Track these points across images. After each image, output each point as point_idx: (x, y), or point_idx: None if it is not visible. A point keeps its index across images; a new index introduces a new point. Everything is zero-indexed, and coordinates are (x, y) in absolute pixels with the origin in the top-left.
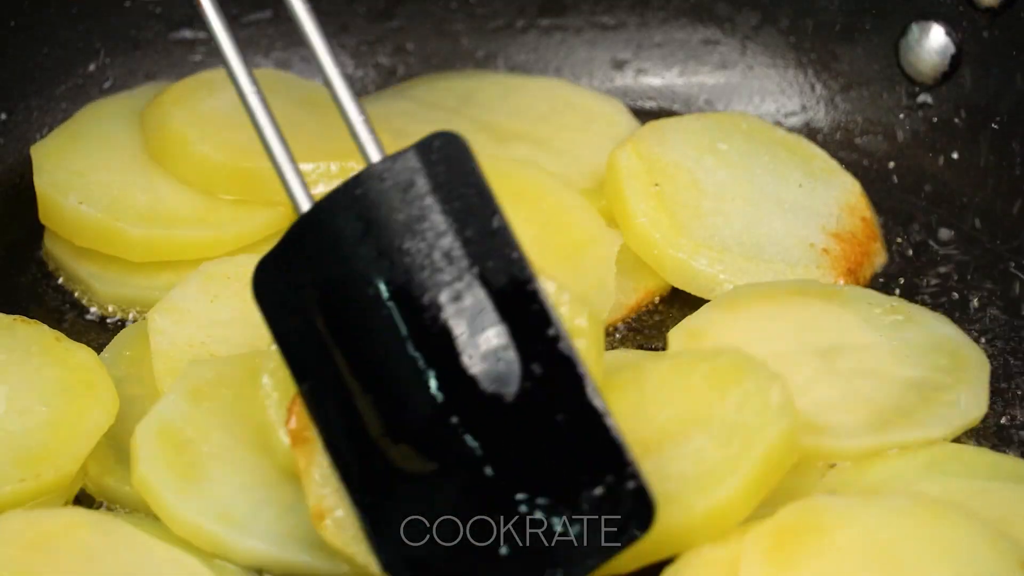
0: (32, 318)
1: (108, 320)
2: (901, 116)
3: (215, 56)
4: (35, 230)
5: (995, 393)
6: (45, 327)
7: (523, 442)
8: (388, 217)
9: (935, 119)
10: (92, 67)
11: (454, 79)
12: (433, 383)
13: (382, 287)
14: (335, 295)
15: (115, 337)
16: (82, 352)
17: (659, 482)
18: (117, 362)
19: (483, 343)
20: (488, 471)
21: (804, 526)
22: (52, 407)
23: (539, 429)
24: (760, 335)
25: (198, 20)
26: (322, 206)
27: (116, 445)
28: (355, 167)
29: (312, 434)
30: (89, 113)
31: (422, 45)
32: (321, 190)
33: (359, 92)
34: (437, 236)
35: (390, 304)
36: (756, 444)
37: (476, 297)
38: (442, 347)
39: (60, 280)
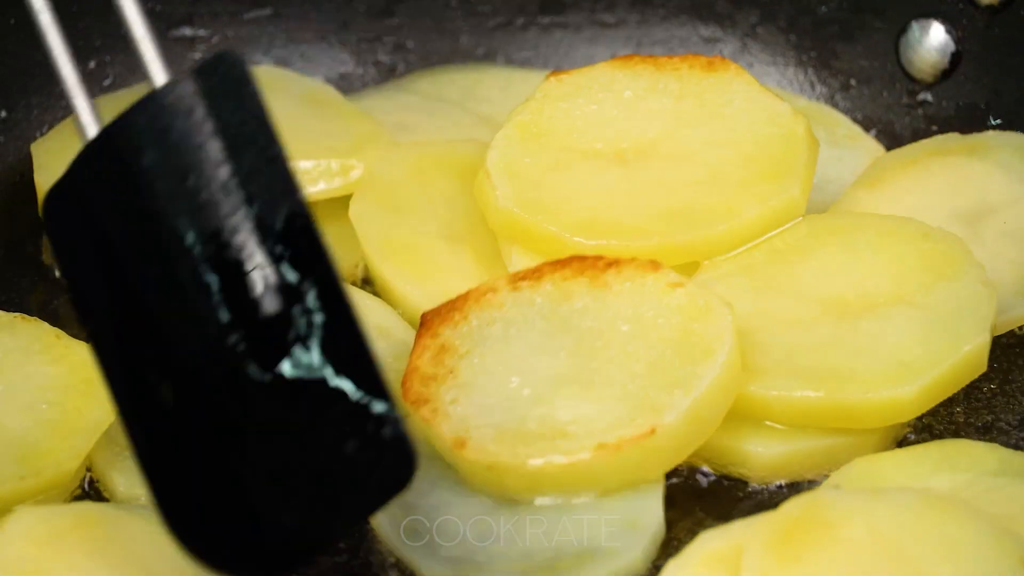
0: (32, 316)
1: None
2: (901, 114)
3: None
4: (35, 228)
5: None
6: (45, 324)
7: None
8: (170, 146)
9: (935, 117)
10: (92, 65)
11: (456, 72)
12: (218, 316)
13: (162, 220)
14: (119, 228)
15: None
16: (83, 349)
17: (850, 351)
18: None
19: (255, 278)
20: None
21: (808, 520)
22: (53, 404)
23: (305, 365)
24: (905, 208)
25: (198, 18)
26: (108, 132)
27: (117, 442)
28: (356, 164)
29: (430, 390)
30: None
31: (422, 43)
32: (322, 187)
33: (360, 89)
34: (215, 166)
35: (171, 238)
36: (953, 353)
37: (248, 230)
38: (223, 279)
39: (60, 278)
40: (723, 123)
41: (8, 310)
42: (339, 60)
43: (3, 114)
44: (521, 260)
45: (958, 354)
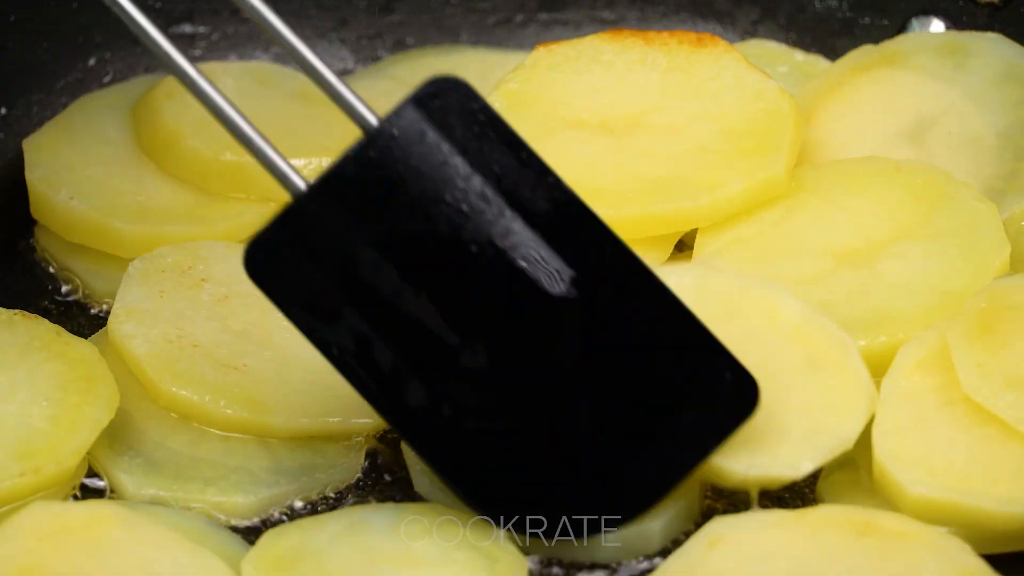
0: (31, 312)
1: (103, 315)
2: None
3: (214, 51)
4: (32, 224)
5: None
6: (45, 321)
7: (610, 356)
8: (412, 172)
9: None
10: (92, 62)
11: (433, 56)
12: (502, 318)
13: (426, 239)
14: (371, 258)
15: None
16: (82, 346)
17: (887, 293)
18: (112, 355)
19: (543, 274)
20: (581, 390)
21: (997, 308)
22: (52, 401)
23: (624, 341)
24: (848, 136)
25: (199, 15)
26: (335, 175)
27: (118, 439)
28: None
29: None
30: (81, 106)
31: (422, 40)
32: None
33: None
34: (465, 179)
35: (443, 253)
36: (989, 271)
37: (523, 229)
38: (502, 287)
39: (55, 275)
40: (710, 98)
41: (5, 307)
42: (339, 57)
43: (2, 111)
44: None
45: (994, 270)
